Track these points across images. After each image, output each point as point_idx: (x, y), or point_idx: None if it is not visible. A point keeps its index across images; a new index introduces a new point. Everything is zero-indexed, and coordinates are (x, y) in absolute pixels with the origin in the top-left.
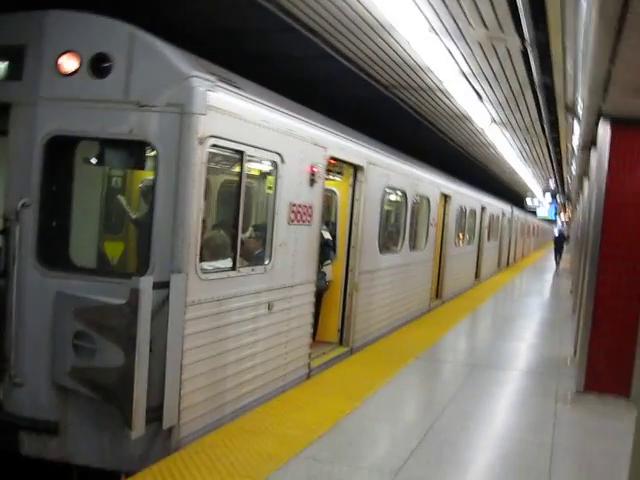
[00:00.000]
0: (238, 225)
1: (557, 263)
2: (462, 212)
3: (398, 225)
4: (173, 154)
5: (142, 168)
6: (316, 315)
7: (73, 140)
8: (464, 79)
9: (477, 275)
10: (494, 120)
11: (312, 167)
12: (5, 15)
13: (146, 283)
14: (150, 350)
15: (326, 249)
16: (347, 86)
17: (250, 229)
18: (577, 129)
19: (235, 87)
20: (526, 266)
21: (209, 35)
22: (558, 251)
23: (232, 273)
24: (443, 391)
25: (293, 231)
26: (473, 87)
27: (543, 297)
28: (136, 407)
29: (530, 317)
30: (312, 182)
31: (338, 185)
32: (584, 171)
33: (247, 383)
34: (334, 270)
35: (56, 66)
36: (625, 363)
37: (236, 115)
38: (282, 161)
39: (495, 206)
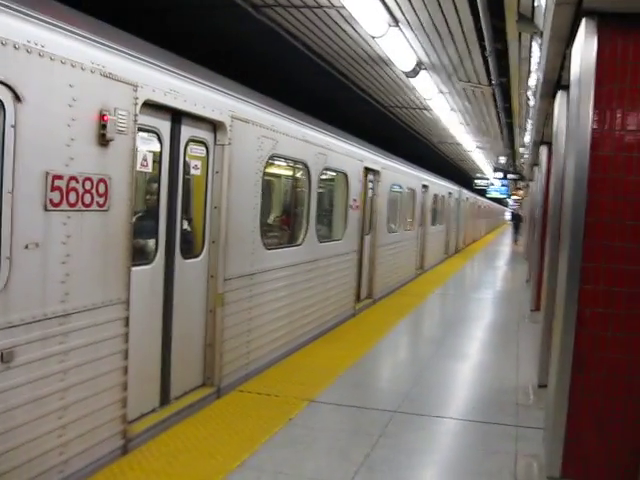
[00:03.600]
0: None
1: (515, 241)
2: (397, 192)
3: (296, 209)
4: None
5: None
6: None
7: None
8: None
9: (420, 265)
10: (421, 63)
11: (103, 114)
12: None
13: None
14: None
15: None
16: None
17: None
18: (537, 53)
19: None
20: (477, 251)
21: None
22: (516, 230)
23: None
24: (337, 473)
25: (61, 222)
26: None
27: (495, 289)
28: None
29: (479, 319)
30: (103, 139)
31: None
32: (542, 135)
33: None
34: None
35: None
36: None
37: None
38: (17, 98)
39: (440, 185)
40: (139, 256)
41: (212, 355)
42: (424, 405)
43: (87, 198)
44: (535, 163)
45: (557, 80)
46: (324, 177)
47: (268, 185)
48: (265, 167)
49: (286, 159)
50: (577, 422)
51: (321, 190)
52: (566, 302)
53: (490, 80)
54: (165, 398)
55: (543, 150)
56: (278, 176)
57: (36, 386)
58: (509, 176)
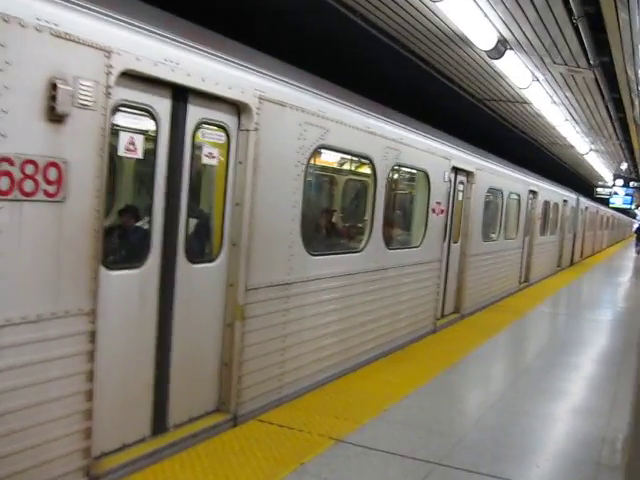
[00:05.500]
0: None
1: (637, 253)
2: (497, 197)
3: (356, 210)
4: None
5: None
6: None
7: None
8: None
9: (526, 277)
10: (505, 40)
11: (55, 82)
12: None
13: None
14: None
15: None
16: None
17: None
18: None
19: None
20: (595, 264)
21: None
22: (638, 241)
23: None
24: None
25: None
26: None
27: (605, 308)
28: None
29: (576, 345)
30: (53, 113)
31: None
32: None
33: None
34: None
35: None
36: None
37: None
38: None
39: (552, 192)
40: (121, 258)
41: (228, 376)
42: (477, 457)
43: (28, 185)
44: None
45: None
46: (398, 175)
47: (316, 181)
48: (310, 160)
49: (342, 152)
50: None
51: (392, 190)
52: None
53: (588, 60)
54: (160, 426)
55: None
56: (331, 171)
57: None
58: (632, 184)
